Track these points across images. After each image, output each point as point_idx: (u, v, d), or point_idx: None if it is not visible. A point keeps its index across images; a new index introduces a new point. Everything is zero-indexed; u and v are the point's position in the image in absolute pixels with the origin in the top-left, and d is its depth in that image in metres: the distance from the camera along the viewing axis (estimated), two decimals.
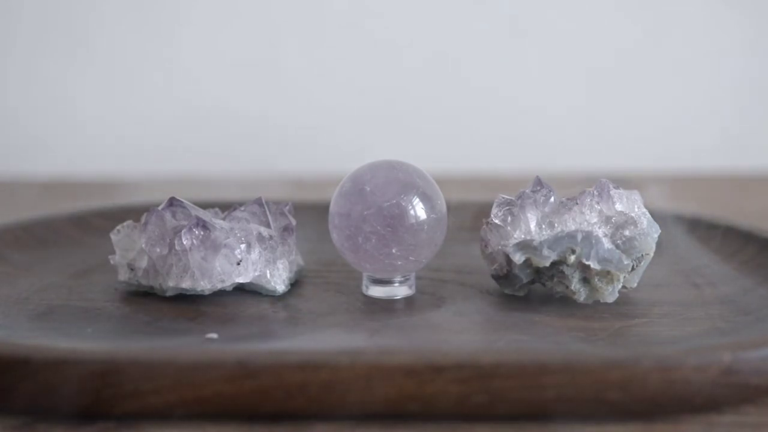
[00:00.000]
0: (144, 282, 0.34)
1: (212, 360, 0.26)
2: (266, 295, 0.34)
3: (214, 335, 0.30)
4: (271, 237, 0.35)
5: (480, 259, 0.35)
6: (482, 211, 0.36)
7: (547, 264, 0.32)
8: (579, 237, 0.32)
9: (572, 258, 0.32)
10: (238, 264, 0.33)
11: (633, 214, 0.33)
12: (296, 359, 0.26)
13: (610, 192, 0.33)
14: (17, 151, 0.70)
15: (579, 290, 0.32)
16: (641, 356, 0.26)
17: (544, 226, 0.33)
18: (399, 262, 0.33)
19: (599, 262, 0.32)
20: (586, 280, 0.32)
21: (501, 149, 0.71)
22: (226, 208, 0.37)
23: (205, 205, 0.36)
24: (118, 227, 0.35)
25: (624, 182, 0.37)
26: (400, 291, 0.34)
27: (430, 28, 0.70)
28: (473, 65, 0.70)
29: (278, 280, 0.34)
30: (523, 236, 0.33)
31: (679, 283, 0.36)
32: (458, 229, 0.40)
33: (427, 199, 0.33)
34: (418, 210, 0.33)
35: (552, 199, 0.34)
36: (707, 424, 0.26)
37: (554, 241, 0.32)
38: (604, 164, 0.69)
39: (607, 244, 0.32)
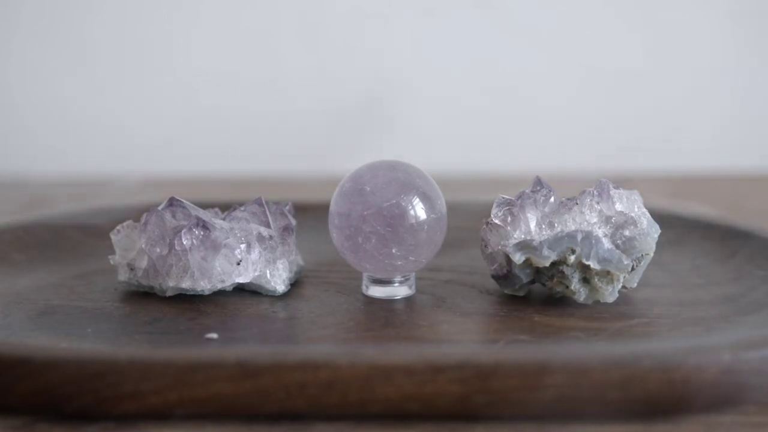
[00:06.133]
0: (144, 282, 0.34)
1: (212, 360, 0.26)
2: (266, 295, 0.34)
3: (214, 335, 0.30)
4: (271, 237, 0.35)
5: (480, 259, 0.35)
6: (482, 211, 0.36)
7: (547, 264, 0.32)
8: (579, 237, 0.32)
9: (572, 258, 0.32)
10: (238, 264, 0.33)
11: (633, 214, 0.33)
12: (296, 359, 0.26)
13: (610, 192, 0.33)
14: (17, 151, 0.70)
15: (579, 290, 0.32)
16: (641, 356, 0.26)
17: (544, 226, 0.33)
18: (399, 262, 0.33)
19: (599, 262, 0.32)
20: (586, 280, 0.32)
21: (501, 149, 0.71)
22: (226, 208, 0.37)
23: (205, 205, 0.36)
24: (118, 227, 0.35)
25: (624, 182, 0.37)
26: (400, 291, 0.34)
27: (431, 29, 0.70)
28: (473, 66, 0.70)
29: (278, 280, 0.34)
30: (523, 236, 0.33)
31: (679, 283, 0.36)
32: (458, 229, 0.40)
33: (427, 199, 0.33)
34: (418, 210, 0.33)
35: (552, 199, 0.34)
36: (707, 424, 0.26)
37: (554, 241, 0.32)
38: (604, 164, 0.69)
39: (607, 244, 0.32)
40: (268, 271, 0.34)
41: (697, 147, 0.71)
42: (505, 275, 0.33)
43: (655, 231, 0.33)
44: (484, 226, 0.34)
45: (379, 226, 0.32)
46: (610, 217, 0.33)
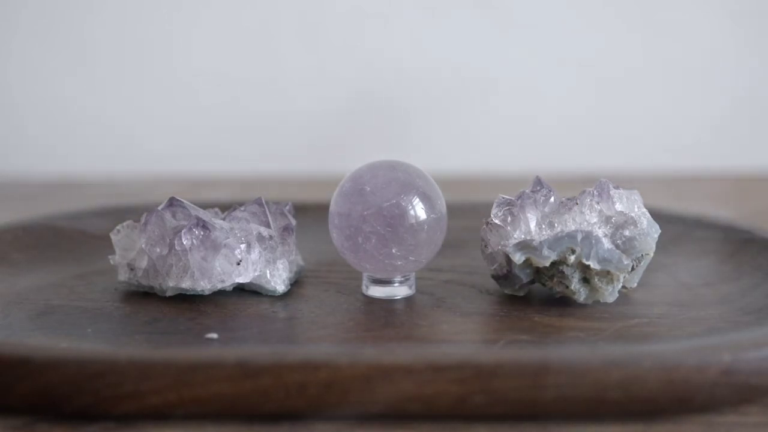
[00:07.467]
0: (144, 282, 0.34)
1: (212, 360, 0.26)
2: (266, 295, 0.34)
3: (214, 335, 0.30)
4: (271, 237, 0.35)
5: (480, 259, 0.35)
6: (482, 211, 0.36)
7: (547, 264, 0.32)
8: (579, 237, 0.32)
9: (572, 258, 0.32)
10: (238, 264, 0.33)
11: (633, 214, 0.33)
12: (296, 359, 0.26)
13: (610, 192, 0.33)
14: (17, 151, 0.70)
15: (579, 290, 0.32)
16: (641, 356, 0.26)
17: (544, 226, 0.33)
18: (399, 262, 0.33)
19: (599, 262, 0.32)
20: (586, 280, 0.32)
21: (501, 149, 0.71)
22: (226, 208, 0.37)
23: (205, 205, 0.36)
24: (118, 227, 0.35)
25: (625, 182, 0.37)
26: (400, 291, 0.34)
27: (431, 29, 0.70)
28: (474, 66, 0.70)
29: (278, 280, 0.34)
30: (523, 236, 0.33)
31: (678, 283, 0.36)
32: (458, 229, 0.40)
33: (427, 199, 0.33)
34: (418, 210, 0.33)
35: (552, 199, 0.34)
36: (707, 424, 0.26)
37: (554, 241, 0.32)
38: (604, 164, 0.69)
39: (607, 244, 0.32)
40: (268, 271, 0.34)
41: (697, 147, 0.71)
42: (505, 275, 0.33)
43: (655, 231, 0.33)
44: (484, 226, 0.34)
45: (379, 226, 0.32)
46: (610, 217, 0.33)
